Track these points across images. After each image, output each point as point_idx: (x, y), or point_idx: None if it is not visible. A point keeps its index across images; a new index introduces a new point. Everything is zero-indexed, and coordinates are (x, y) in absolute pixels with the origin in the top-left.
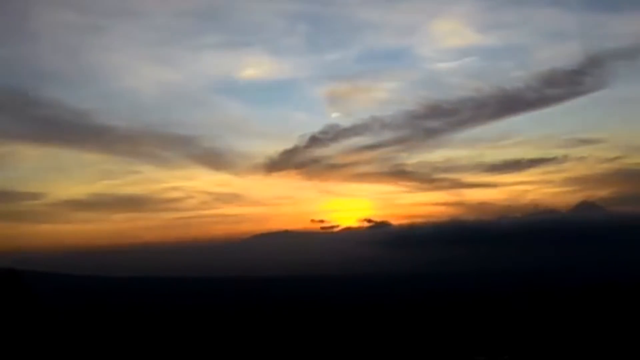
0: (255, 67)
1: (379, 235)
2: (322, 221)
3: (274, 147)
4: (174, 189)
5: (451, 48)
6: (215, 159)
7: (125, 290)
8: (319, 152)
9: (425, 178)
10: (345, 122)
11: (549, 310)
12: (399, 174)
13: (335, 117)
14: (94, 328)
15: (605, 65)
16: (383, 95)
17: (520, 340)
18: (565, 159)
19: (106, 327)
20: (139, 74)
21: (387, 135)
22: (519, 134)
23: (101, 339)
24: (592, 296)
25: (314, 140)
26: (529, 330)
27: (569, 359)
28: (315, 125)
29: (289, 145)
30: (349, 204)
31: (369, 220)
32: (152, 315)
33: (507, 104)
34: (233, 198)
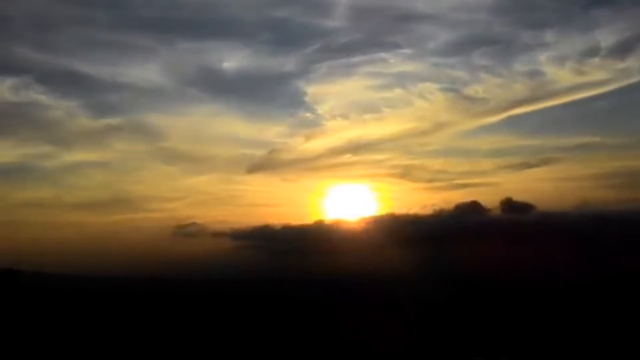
0: (236, 60)
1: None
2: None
3: (259, 146)
4: (164, 190)
5: (455, 36)
6: (197, 158)
7: (123, 290)
8: (308, 150)
9: (421, 178)
10: (337, 118)
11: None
12: (395, 174)
13: (326, 112)
14: (93, 327)
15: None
16: (379, 90)
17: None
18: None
19: (105, 327)
20: (116, 67)
21: (384, 132)
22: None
23: (100, 338)
24: (587, 296)
25: (303, 139)
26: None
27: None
28: (304, 123)
29: (274, 144)
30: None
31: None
32: (150, 316)
33: (511, 99)
34: (216, 199)
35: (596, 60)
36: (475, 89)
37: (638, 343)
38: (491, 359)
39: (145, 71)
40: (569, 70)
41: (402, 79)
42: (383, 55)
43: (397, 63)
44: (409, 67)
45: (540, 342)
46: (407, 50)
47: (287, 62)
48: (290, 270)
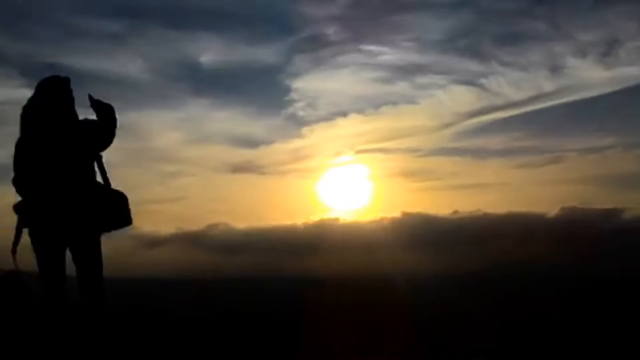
0: (215, 53)
1: None
2: None
3: (241, 146)
4: (150, 191)
5: (461, 25)
6: (181, 158)
7: (125, 291)
8: (299, 149)
9: (415, 177)
10: (330, 115)
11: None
12: (396, 174)
13: (317, 109)
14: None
15: None
16: (377, 84)
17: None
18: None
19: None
20: (90, 63)
21: (383, 129)
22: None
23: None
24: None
25: (293, 137)
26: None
27: None
28: (294, 120)
29: (261, 142)
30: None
31: None
32: (150, 317)
33: (523, 94)
34: (202, 200)
35: (619, 52)
36: (485, 83)
37: None
38: (491, 359)
39: (123, 64)
40: (590, 63)
41: (402, 72)
42: (382, 46)
43: (396, 55)
44: (410, 58)
45: (540, 341)
46: (409, 40)
47: (275, 55)
48: (278, 271)
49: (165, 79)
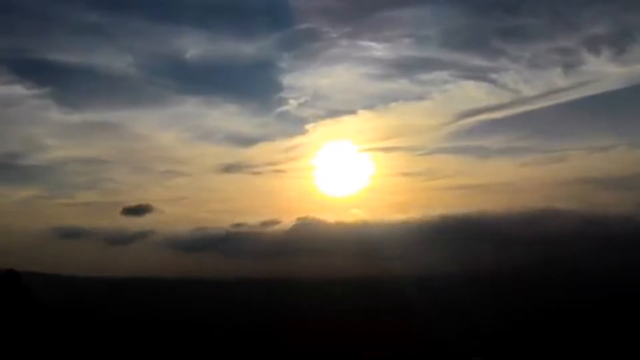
0: (202, 48)
1: None
2: None
3: (234, 145)
4: (143, 193)
5: (464, 17)
6: (171, 158)
7: (124, 291)
8: (293, 148)
9: (425, 177)
10: (318, 113)
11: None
12: (396, 173)
13: (312, 107)
14: (92, 329)
15: None
16: (377, 80)
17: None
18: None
19: (103, 328)
20: (80, 58)
21: (382, 127)
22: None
23: (98, 339)
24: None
25: (287, 135)
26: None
27: None
28: (287, 118)
29: (252, 141)
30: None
31: None
32: (150, 317)
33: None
34: (191, 200)
35: (635, 47)
36: (496, 78)
37: None
38: (491, 359)
39: (110, 59)
40: (603, 58)
41: (403, 68)
42: (381, 40)
43: (394, 51)
44: (411, 53)
45: (538, 342)
46: (407, 36)
47: (265, 50)
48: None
49: (154, 74)
